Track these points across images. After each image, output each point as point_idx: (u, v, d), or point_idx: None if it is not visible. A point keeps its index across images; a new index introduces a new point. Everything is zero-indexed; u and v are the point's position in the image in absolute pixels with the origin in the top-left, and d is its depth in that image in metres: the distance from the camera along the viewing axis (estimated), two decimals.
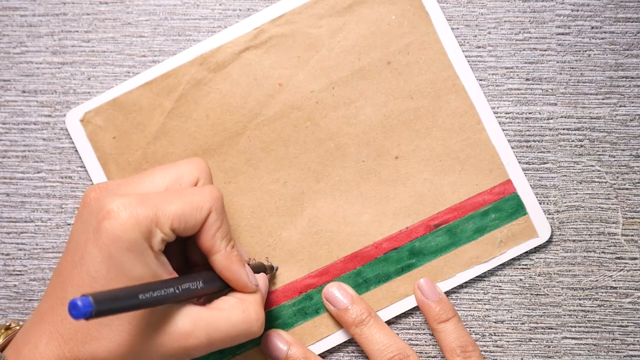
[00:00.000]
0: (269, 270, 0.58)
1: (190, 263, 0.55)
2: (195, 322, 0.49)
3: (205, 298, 0.53)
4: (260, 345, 0.59)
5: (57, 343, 0.49)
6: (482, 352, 0.59)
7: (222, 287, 0.52)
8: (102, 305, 0.41)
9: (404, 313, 0.59)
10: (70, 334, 0.49)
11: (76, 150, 0.59)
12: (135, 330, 0.48)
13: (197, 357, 0.51)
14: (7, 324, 0.56)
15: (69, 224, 0.60)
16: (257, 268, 0.56)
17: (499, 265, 0.59)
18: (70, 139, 0.59)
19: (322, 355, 0.59)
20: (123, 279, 0.47)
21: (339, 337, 0.59)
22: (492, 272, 0.59)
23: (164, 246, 0.49)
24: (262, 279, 0.54)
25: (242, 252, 0.54)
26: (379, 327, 0.57)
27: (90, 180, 0.59)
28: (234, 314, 0.51)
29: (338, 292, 0.58)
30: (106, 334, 0.48)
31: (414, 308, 0.59)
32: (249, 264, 0.54)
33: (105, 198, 0.48)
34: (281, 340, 0.58)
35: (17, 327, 0.55)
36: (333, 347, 0.59)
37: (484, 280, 0.59)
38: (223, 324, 0.50)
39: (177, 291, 0.48)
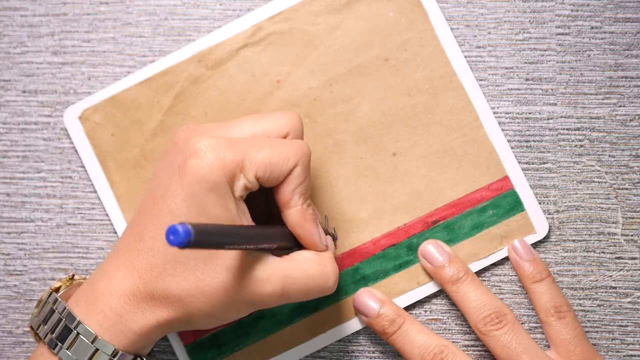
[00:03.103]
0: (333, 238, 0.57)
1: (269, 217, 0.55)
2: (271, 270, 0.49)
3: (273, 252, 0.52)
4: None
5: (132, 277, 0.49)
6: (481, 353, 0.59)
7: (292, 245, 0.52)
8: (200, 237, 0.40)
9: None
10: (146, 269, 0.49)
11: (76, 150, 0.60)
12: (211, 271, 0.48)
13: (270, 307, 0.50)
14: (71, 275, 0.56)
15: (69, 224, 0.60)
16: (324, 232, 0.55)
17: (499, 265, 0.59)
18: (71, 138, 0.60)
19: (330, 347, 0.59)
20: (203, 219, 0.47)
21: (335, 334, 0.59)
22: (492, 272, 0.59)
23: (245, 194, 0.49)
24: (329, 241, 0.54)
25: (316, 212, 0.54)
26: (475, 285, 0.56)
27: (90, 181, 0.60)
28: (311, 267, 0.50)
29: (434, 249, 0.57)
30: (181, 272, 0.48)
31: (413, 305, 0.59)
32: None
33: (195, 137, 0.48)
34: (373, 298, 0.57)
35: (81, 280, 0.56)
36: (331, 344, 0.59)
37: (484, 280, 0.59)
38: (300, 276, 0.50)
39: (269, 242, 0.48)
